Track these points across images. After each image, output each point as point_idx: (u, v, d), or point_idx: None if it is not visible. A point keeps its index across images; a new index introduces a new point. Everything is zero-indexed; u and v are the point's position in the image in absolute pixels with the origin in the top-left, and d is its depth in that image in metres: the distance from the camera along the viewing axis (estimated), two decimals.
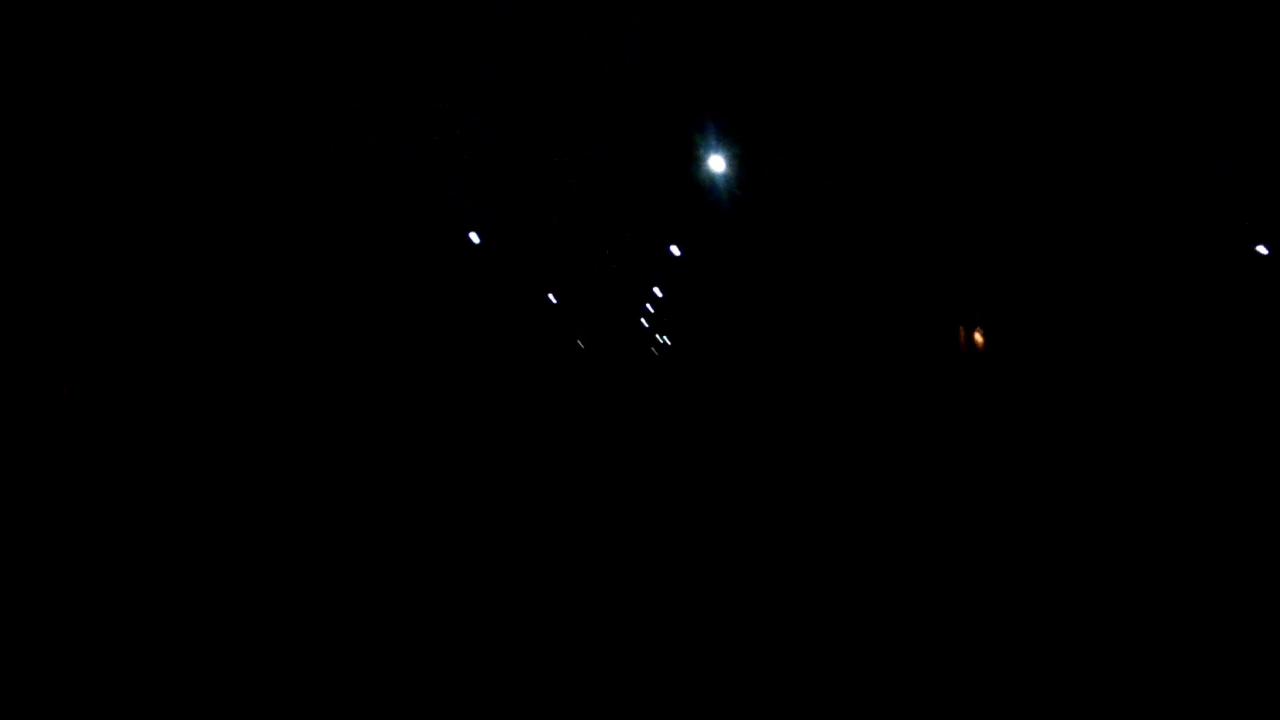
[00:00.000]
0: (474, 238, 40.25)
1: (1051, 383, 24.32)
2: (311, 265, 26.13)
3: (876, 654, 4.15)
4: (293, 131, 24.69)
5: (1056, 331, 25.44)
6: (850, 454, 11.86)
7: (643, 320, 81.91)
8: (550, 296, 59.60)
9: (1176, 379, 20.77)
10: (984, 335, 27.07)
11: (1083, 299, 24.92)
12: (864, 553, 6.12)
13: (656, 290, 61.49)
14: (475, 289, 43.75)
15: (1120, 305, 24.51)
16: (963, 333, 27.76)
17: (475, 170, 37.30)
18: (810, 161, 28.11)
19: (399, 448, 9.34)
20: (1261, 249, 22.34)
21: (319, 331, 26.10)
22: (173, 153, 21.59)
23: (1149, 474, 8.69)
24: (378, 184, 30.25)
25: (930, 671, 3.81)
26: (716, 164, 26.37)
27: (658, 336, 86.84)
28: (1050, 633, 4.48)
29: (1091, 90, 21.58)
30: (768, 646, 4.31)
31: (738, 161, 27.67)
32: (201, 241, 22.41)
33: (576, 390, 31.22)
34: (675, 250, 44.24)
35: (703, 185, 30.96)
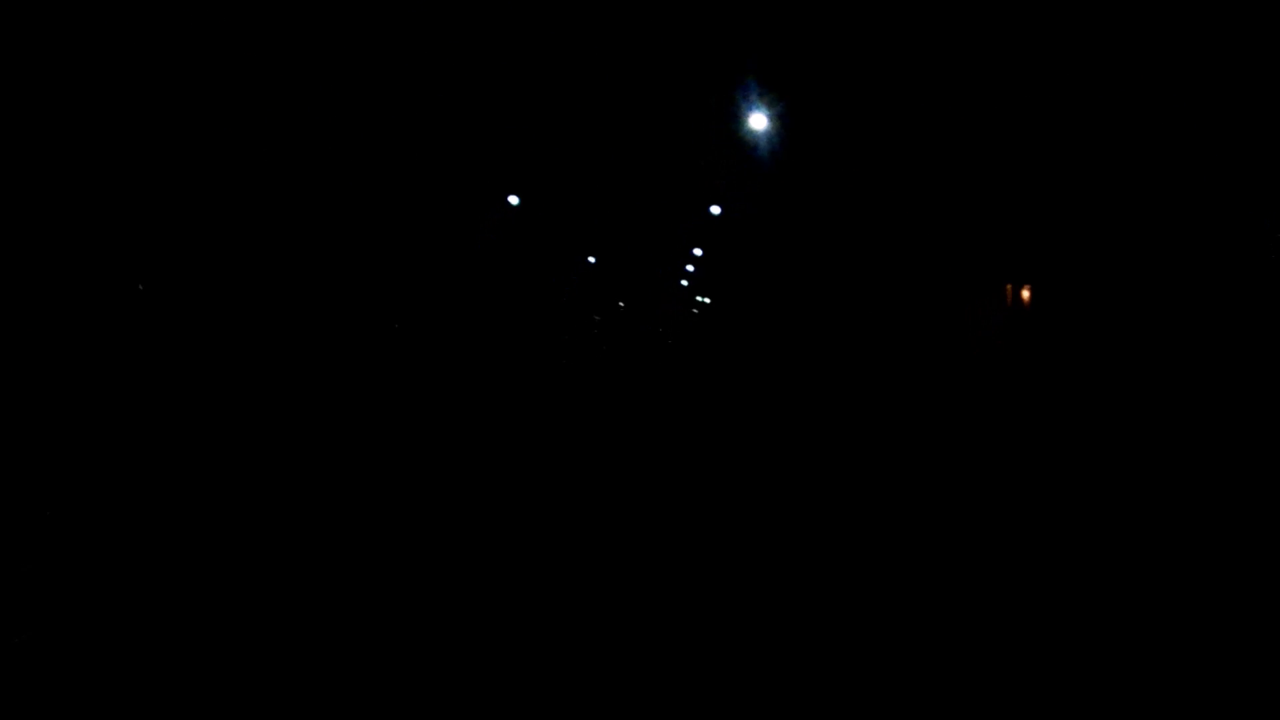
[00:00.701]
0: (512, 200, 40.22)
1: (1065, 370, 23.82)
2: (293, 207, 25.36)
3: (873, 641, 4.10)
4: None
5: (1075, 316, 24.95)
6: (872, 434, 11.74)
7: (682, 281, 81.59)
8: (590, 258, 59.52)
9: (1181, 375, 20.26)
10: (1030, 296, 26.60)
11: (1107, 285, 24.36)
12: (870, 537, 6.05)
13: (697, 250, 61.14)
14: (513, 249, 43.76)
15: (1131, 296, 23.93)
16: (1009, 293, 27.29)
17: (511, 128, 37.13)
18: (851, 121, 27.60)
19: (400, 428, 9.33)
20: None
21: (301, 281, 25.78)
22: (166, 142, 21.35)
23: (1154, 468, 8.53)
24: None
25: (929, 664, 3.76)
26: (758, 122, 26.01)
27: (697, 297, 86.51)
28: (1052, 625, 4.42)
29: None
30: (761, 630, 4.26)
31: (779, 120, 27.27)
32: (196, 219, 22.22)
33: (616, 357, 31.26)
34: (715, 210, 43.89)
35: (744, 144, 30.58)
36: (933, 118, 25.64)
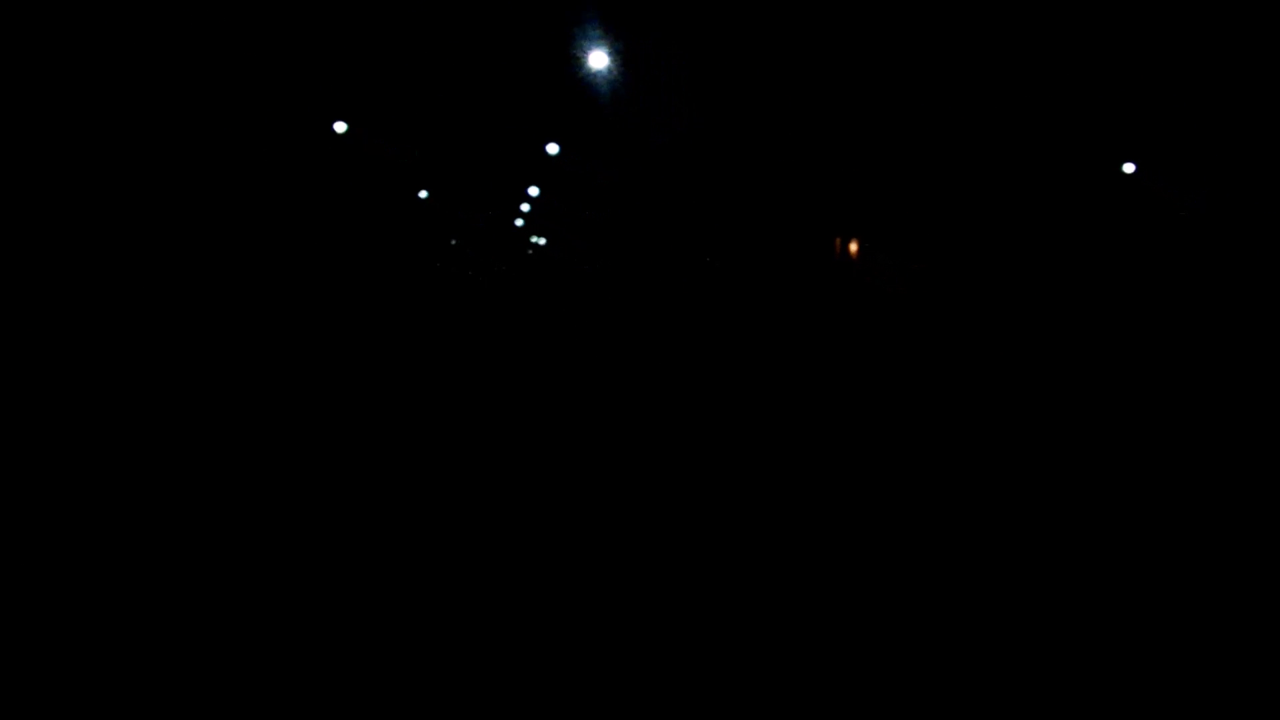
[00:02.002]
0: (339, 126, 38.24)
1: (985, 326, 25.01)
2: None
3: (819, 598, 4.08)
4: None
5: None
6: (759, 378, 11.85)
7: (517, 220, 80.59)
8: (421, 194, 57.65)
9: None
10: (859, 246, 27.62)
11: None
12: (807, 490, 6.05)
13: (532, 190, 60.33)
14: (342, 185, 41.76)
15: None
16: (839, 244, 28.26)
17: (346, 59, 35.19)
18: (696, 62, 27.58)
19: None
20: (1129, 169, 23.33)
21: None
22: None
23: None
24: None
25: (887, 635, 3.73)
26: (598, 60, 25.56)
27: (532, 238, 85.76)
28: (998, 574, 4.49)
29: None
30: (716, 567, 4.21)
31: (620, 59, 26.91)
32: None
33: (448, 290, 30.54)
34: (552, 149, 43.26)
35: (583, 83, 30.08)
36: (775, 65, 25.92)
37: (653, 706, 2.95)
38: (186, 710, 2.76)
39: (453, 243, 72.30)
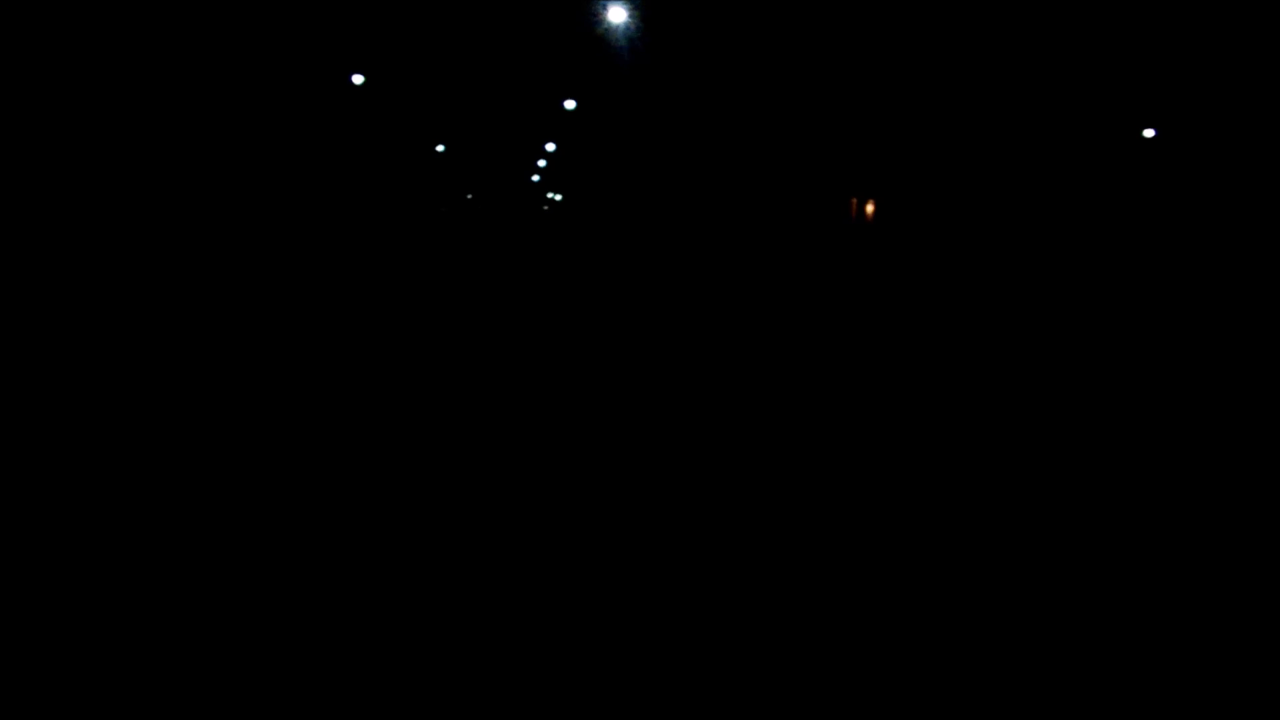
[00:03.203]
0: (356, 79, 38.02)
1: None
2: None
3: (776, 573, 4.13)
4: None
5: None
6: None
7: (534, 176, 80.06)
8: (439, 146, 57.35)
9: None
10: (875, 207, 27.46)
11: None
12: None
13: (549, 145, 59.93)
14: (362, 133, 41.62)
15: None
16: (855, 204, 28.08)
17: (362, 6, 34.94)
18: (720, 24, 27.35)
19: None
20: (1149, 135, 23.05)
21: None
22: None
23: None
24: None
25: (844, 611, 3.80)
26: (616, 15, 25.32)
27: (548, 193, 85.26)
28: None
29: None
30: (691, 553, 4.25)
31: (639, 14, 26.64)
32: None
33: (462, 243, 30.45)
34: (570, 104, 42.92)
35: (603, 38, 29.79)
36: (792, 27, 25.66)
37: (652, 706, 2.93)
38: (186, 710, 2.78)
39: (468, 196, 71.93)
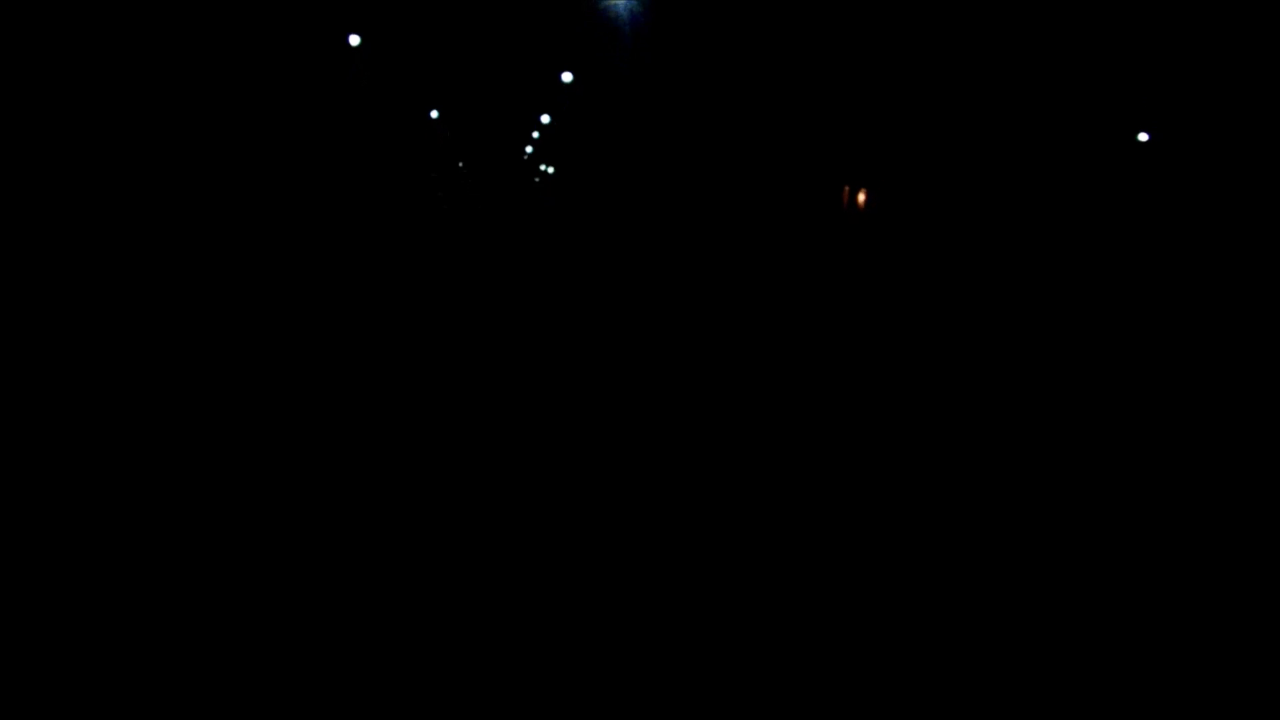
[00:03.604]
0: (353, 39, 37.59)
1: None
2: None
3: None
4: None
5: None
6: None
7: (527, 148, 79.52)
8: (433, 113, 56.86)
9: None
10: (867, 195, 27.48)
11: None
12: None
13: (544, 117, 59.51)
14: (359, 108, 41.19)
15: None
16: (847, 192, 28.09)
17: None
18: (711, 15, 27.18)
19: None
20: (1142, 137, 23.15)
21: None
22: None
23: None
24: None
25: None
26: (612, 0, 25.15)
27: (542, 166, 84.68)
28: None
29: None
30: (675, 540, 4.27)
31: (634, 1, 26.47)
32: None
33: (454, 213, 30.27)
34: (567, 77, 42.63)
35: (601, 13, 29.58)
36: (786, 15, 25.53)
37: (652, 706, 2.94)
38: (186, 710, 2.76)
39: (460, 165, 71.37)
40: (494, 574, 3.58)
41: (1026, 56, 22.78)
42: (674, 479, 4.78)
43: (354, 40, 37.93)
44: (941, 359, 8.62)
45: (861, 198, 27.31)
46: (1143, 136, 22.67)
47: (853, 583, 3.60)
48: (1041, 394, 7.38)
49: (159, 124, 23.41)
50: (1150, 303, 14.27)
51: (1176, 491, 4.98)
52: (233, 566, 3.54)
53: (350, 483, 4.51)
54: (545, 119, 59.32)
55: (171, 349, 7.36)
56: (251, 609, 3.19)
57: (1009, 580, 3.68)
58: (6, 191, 17.59)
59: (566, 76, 42.71)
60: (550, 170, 79.19)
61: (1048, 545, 4.08)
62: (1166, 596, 3.57)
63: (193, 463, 4.68)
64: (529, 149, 79.52)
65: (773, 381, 7.40)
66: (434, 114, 57.31)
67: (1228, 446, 6.03)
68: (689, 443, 5.48)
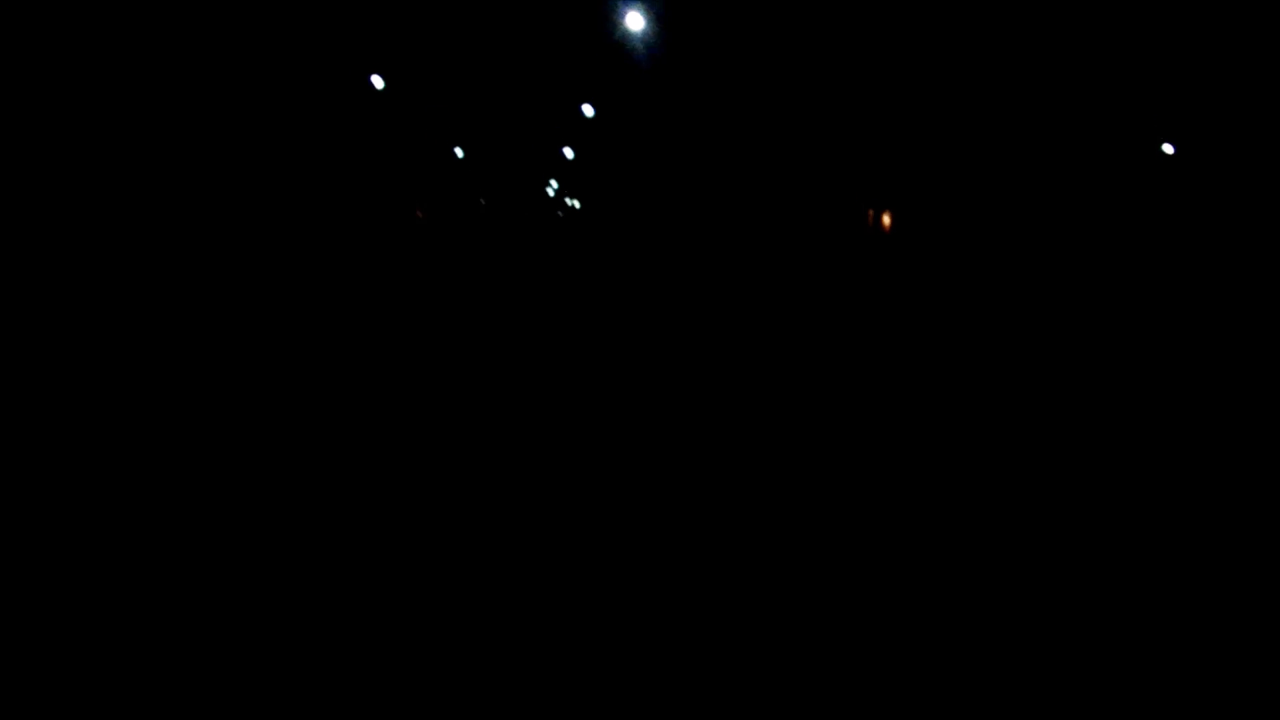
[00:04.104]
0: (377, 81, 38.13)
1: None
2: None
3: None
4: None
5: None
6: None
7: (551, 182, 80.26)
8: (456, 150, 57.51)
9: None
10: (891, 217, 27.25)
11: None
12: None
13: (567, 151, 60.00)
14: (380, 139, 41.76)
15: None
16: (871, 215, 27.88)
17: (376, 14, 35.06)
18: (734, 27, 27.20)
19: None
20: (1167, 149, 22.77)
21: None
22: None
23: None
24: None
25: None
26: (634, 22, 25.23)
27: (566, 200, 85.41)
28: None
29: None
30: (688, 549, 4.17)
31: (657, 21, 26.56)
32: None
33: (477, 252, 30.46)
34: (588, 110, 42.92)
35: (618, 44, 29.74)
36: (807, 33, 25.49)
37: (652, 706, 2.95)
38: (186, 710, 2.77)
39: (481, 202, 72.13)
40: (495, 575, 3.62)
41: (1055, 75, 22.55)
42: (698, 499, 4.66)
43: (378, 83, 38.50)
44: (967, 380, 8.41)
45: (886, 220, 27.08)
46: (1168, 148, 22.29)
47: (863, 588, 3.54)
48: (1078, 419, 7.10)
49: (197, 161, 23.78)
50: (1196, 329, 13.86)
51: (1206, 504, 4.80)
52: (232, 567, 3.61)
53: (352, 489, 4.49)
54: (569, 152, 59.85)
55: (189, 362, 7.33)
56: (251, 609, 3.25)
57: (1032, 583, 3.60)
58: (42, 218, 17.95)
59: (588, 109, 43.02)
60: (576, 204, 79.90)
61: (1069, 551, 3.97)
62: (1171, 598, 3.54)
63: (205, 468, 4.69)
64: (553, 182, 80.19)
65: (798, 401, 7.22)
66: (459, 151, 57.99)
67: (1251, 457, 5.83)
68: (714, 466, 5.32)
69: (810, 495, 4.92)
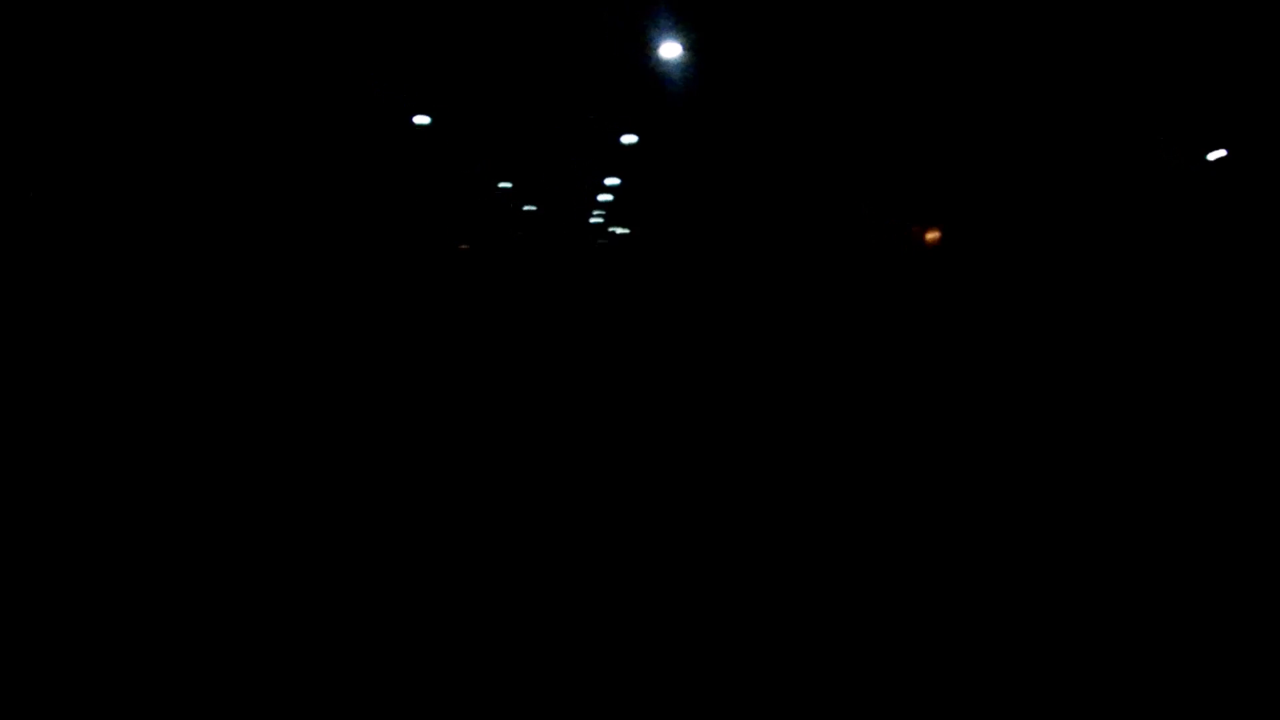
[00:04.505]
0: (421, 119, 38.75)
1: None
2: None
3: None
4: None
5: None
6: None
7: (595, 212, 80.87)
8: (499, 184, 58.19)
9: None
10: (940, 234, 26.93)
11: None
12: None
13: (609, 180, 60.41)
14: (421, 170, 42.41)
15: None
16: (916, 231, 27.58)
17: (409, 50, 35.68)
18: (773, 53, 27.20)
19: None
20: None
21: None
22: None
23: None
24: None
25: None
26: (670, 51, 25.37)
27: (610, 229, 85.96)
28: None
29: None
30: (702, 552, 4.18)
31: (693, 50, 26.68)
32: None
33: (519, 283, 30.74)
34: (629, 139, 43.16)
35: (655, 73, 29.91)
36: (848, 52, 25.41)
37: (652, 706, 2.94)
38: (186, 710, 2.93)
39: (519, 234, 72.82)
40: (500, 575, 3.62)
41: (1108, 94, 22.19)
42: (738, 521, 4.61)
43: (423, 120, 39.13)
44: (989, 387, 8.24)
45: (932, 236, 26.78)
46: (1215, 154, 21.73)
47: (879, 596, 3.49)
48: (1096, 424, 6.91)
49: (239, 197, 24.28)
50: (1219, 341, 13.46)
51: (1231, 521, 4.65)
52: (233, 569, 3.64)
53: (355, 498, 4.50)
54: (612, 181, 60.24)
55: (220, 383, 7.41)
56: (252, 610, 3.29)
57: (1049, 590, 3.54)
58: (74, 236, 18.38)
59: (628, 139, 43.25)
60: (621, 232, 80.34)
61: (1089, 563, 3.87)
62: (1176, 599, 3.49)
63: (225, 475, 4.75)
64: (598, 213, 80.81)
65: (837, 423, 7.12)
66: (506, 184, 58.64)
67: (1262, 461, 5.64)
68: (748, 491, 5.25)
69: (821, 499, 4.87)
